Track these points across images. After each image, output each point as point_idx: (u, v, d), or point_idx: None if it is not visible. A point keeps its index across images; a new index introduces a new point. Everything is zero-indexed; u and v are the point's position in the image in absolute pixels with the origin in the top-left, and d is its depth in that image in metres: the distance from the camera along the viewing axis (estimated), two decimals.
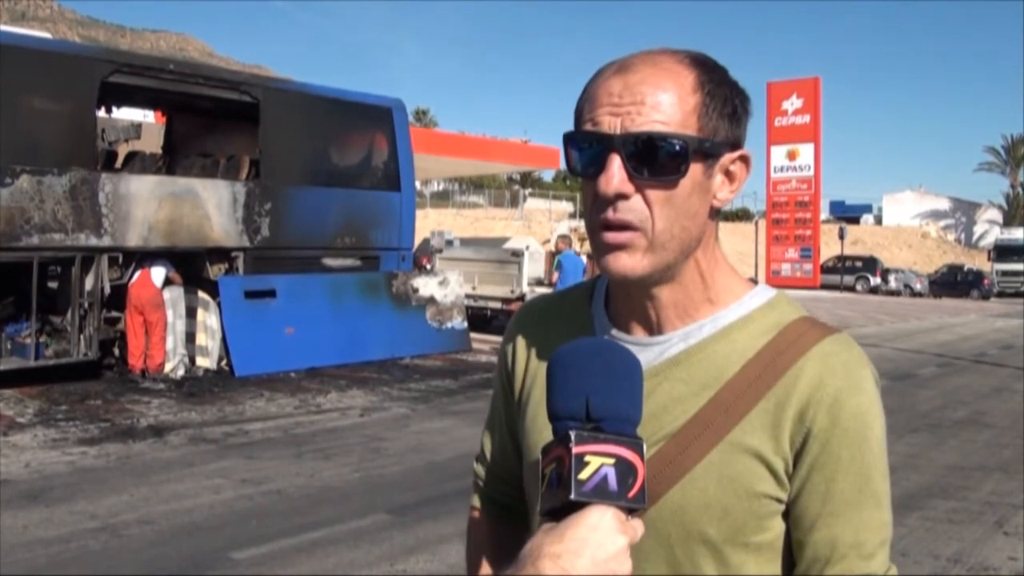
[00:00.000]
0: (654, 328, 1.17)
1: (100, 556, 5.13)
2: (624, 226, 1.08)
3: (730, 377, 1.11)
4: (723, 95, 1.10)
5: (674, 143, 1.06)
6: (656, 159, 1.06)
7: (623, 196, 1.07)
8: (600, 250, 1.11)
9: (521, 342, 1.32)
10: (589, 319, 1.25)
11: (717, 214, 1.16)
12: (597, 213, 1.10)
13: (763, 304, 1.17)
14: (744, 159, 1.14)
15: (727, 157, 1.12)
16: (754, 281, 1.22)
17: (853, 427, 1.08)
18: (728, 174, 1.13)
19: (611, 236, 1.09)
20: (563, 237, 14.64)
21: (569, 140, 1.12)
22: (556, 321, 1.28)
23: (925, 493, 6.79)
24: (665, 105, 1.07)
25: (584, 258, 14.36)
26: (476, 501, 1.44)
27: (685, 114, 1.07)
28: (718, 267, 1.18)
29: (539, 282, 18.30)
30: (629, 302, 1.19)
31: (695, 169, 1.08)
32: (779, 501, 1.09)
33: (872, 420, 1.10)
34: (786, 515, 1.10)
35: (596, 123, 1.09)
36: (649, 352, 1.15)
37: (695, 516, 1.08)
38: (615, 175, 1.06)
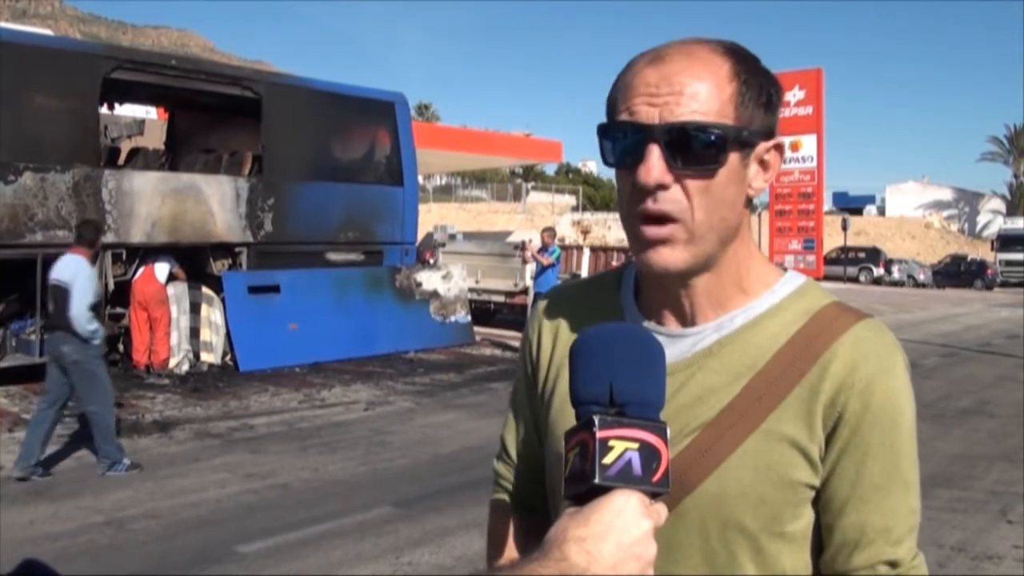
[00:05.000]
0: (687, 319, 1.17)
1: (107, 550, 5.16)
2: (663, 217, 1.07)
3: (763, 365, 1.11)
4: (758, 84, 1.10)
5: (713, 133, 1.05)
6: (695, 149, 1.05)
7: (663, 187, 1.06)
8: (640, 244, 1.10)
9: (547, 330, 1.30)
10: (619, 309, 1.24)
11: (750, 203, 1.16)
12: (635, 204, 1.09)
13: (793, 291, 1.18)
14: (779, 148, 1.14)
15: (762, 146, 1.12)
16: (784, 269, 1.22)
17: (884, 412, 1.08)
18: (763, 163, 1.13)
19: (652, 231, 1.08)
20: (548, 230, 14.76)
21: (604, 131, 1.12)
22: (583, 310, 1.27)
23: (929, 482, 6.78)
24: (703, 95, 1.06)
25: (588, 250, 14.50)
26: (499, 501, 1.40)
27: (722, 104, 1.07)
28: (752, 257, 1.18)
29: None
30: (662, 292, 1.18)
31: (732, 159, 1.08)
32: (812, 488, 1.10)
33: (903, 406, 1.10)
34: (815, 500, 1.11)
35: (633, 113, 1.08)
36: (683, 343, 1.15)
37: (732, 505, 1.08)
38: (655, 166, 1.05)
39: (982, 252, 48.94)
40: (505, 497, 1.39)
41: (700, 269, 1.12)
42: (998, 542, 5.53)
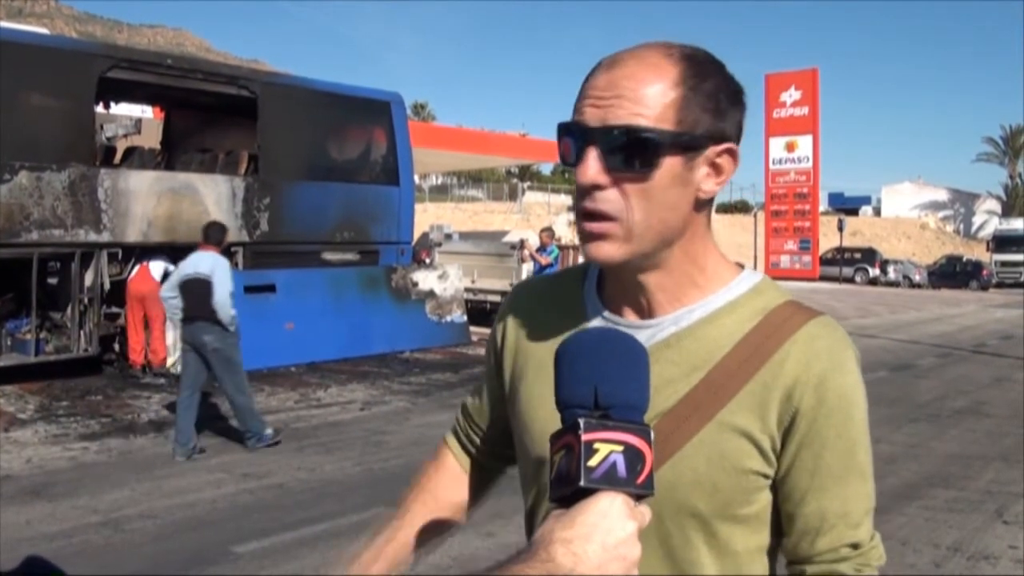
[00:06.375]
0: (645, 312, 1.21)
1: (103, 551, 5.15)
2: (601, 215, 1.13)
3: (719, 359, 1.15)
4: (707, 89, 1.12)
5: (646, 136, 1.09)
6: (628, 152, 1.10)
7: (598, 187, 1.11)
8: (582, 237, 1.17)
9: (513, 323, 1.36)
10: (581, 301, 1.28)
11: (708, 204, 1.19)
12: (578, 202, 1.15)
13: (750, 289, 1.21)
14: (731, 152, 1.15)
15: (712, 150, 1.14)
16: (741, 266, 1.26)
17: (838, 405, 1.13)
18: (714, 166, 1.15)
19: (590, 225, 1.14)
20: (546, 230, 14.72)
21: (560, 131, 1.17)
22: (548, 303, 1.32)
23: (925, 482, 6.80)
24: (644, 99, 1.10)
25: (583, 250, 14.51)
26: (448, 437, 1.56)
27: (664, 108, 1.10)
28: (708, 255, 1.21)
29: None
30: (620, 286, 1.23)
31: (672, 162, 1.11)
32: (765, 476, 1.15)
33: (856, 398, 1.15)
34: (774, 489, 1.16)
35: (580, 115, 1.13)
36: (641, 335, 1.17)
37: (686, 492, 1.13)
38: (591, 166, 1.11)
39: (978, 253, 49.12)
40: (456, 442, 1.55)
41: (646, 266, 1.17)
42: (994, 542, 5.54)
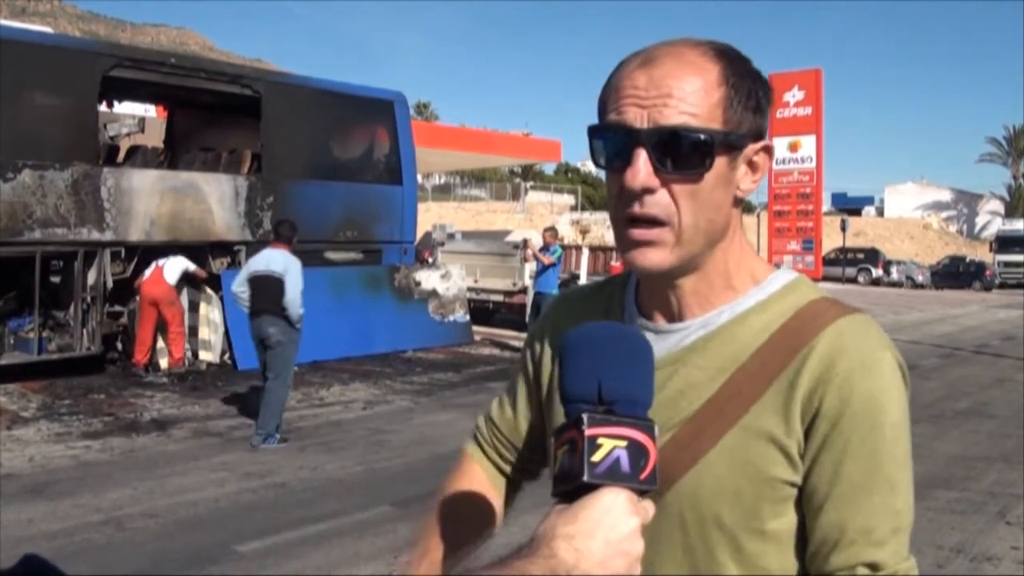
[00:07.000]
0: (675, 316, 1.18)
1: (104, 549, 5.15)
2: (651, 220, 1.08)
3: (744, 360, 1.11)
4: (747, 87, 1.10)
5: (700, 137, 1.06)
6: (683, 153, 1.06)
7: (649, 190, 1.07)
8: (627, 244, 1.11)
9: (553, 327, 1.31)
10: (621, 307, 1.26)
11: (740, 203, 1.17)
12: (623, 207, 1.10)
13: (782, 287, 1.17)
14: (767, 149, 1.14)
15: (750, 148, 1.12)
16: (777, 266, 1.23)
17: (864, 409, 1.05)
18: (751, 164, 1.14)
19: (639, 233, 1.09)
20: (550, 230, 14.68)
21: (594, 132, 1.12)
22: (591, 308, 1.30)
23: (928, 483, 6.79)
24: (691, 99, 1.07)
25: (587, 250, 14.42)
26: (471, 448, 1.45)
27: (711, 107, 1.07)
28: (742, 255, 1.19)
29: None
30: (652, 291, 1.20)
31: (720, 162, 1.09)
32: (792, 485, 1.08)
33: (887, 404, 1.07)
34: (799, 497, 1.09)
35: (621, 115, 1.08)
36: (669, 339, 1.16)
37: (709, 500, 1.09)
38: (641, 169, 1.06)
39: (981, 253, 49.00)
40: (478, 450, 1.45)
41: (687, 269, 1.14)
42: (996, 543, 5.53)
